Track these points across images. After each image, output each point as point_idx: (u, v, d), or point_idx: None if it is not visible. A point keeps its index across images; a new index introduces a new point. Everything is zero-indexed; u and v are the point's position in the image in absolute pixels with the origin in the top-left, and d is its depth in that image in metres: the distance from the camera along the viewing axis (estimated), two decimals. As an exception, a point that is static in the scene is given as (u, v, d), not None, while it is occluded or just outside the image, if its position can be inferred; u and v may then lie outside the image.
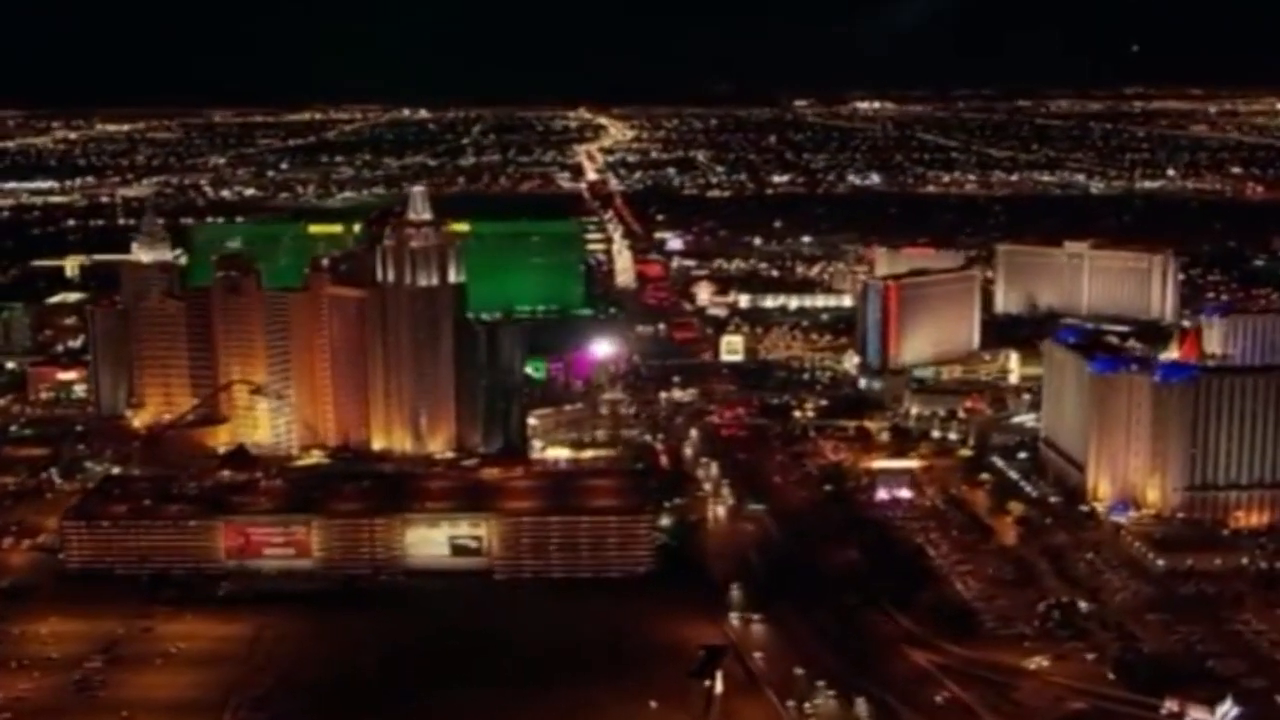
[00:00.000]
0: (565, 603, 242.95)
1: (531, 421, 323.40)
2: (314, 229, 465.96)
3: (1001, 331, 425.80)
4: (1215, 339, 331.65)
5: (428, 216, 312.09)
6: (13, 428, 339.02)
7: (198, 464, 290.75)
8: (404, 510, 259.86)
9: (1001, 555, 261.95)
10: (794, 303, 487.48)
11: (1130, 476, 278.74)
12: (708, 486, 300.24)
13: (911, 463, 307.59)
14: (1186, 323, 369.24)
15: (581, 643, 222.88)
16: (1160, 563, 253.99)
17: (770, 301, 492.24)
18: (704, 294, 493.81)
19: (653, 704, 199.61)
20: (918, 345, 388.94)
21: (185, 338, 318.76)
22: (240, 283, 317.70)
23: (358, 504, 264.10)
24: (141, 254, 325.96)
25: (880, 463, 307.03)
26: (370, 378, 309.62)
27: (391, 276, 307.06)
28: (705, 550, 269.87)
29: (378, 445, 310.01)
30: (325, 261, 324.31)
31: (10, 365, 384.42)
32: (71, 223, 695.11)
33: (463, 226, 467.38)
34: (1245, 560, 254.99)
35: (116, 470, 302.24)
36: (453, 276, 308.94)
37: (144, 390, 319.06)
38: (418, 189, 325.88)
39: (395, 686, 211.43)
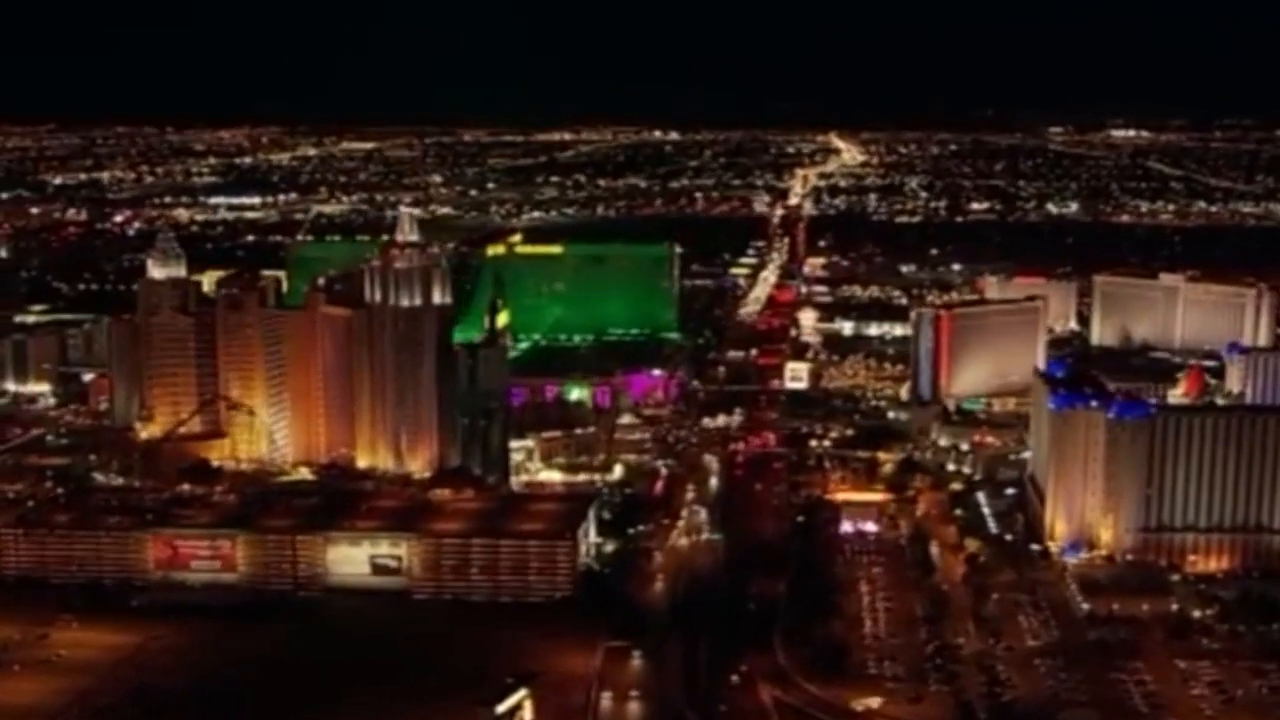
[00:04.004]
0: (462, 626, 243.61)
1: (528, 443, 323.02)
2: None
3: (1093, 364, 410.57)
4: (1235, 377, 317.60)
5: (414, 238, 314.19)
6: (49, 437, 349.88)
7: (164, 477, 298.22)
8: (329, 528, 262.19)
9: (931, 593, 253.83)
10: (896, 330, 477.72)
11: (1086, 516, 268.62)
12: (685, 514, 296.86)
13: (876, 495, 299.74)
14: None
15: (427, 664, 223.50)
16: (1085, 606, 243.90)
17: (874, 329, 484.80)
18: (807, 320, 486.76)
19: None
20: (974, 376, 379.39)
21: (193, 353, 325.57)
22: (242, 300, 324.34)
23: (288, 520, 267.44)
24: (155, 270, 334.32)
25: (844, 495, 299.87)
26: (357, 396, 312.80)
27: (378, 297, 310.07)
28: (640, 578, 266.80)
29: (362, 463, 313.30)
30: (322, 281, 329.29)
31: (88, 376, 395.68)
32: (251, 238, 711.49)
33: (555, 249, 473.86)
34: (1175, 606, 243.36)
35: (119, 481, 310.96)
36: (437, 298, 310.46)
37: (153, 403, 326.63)
38: (405, 210, 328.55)
39: (245, 700, 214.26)
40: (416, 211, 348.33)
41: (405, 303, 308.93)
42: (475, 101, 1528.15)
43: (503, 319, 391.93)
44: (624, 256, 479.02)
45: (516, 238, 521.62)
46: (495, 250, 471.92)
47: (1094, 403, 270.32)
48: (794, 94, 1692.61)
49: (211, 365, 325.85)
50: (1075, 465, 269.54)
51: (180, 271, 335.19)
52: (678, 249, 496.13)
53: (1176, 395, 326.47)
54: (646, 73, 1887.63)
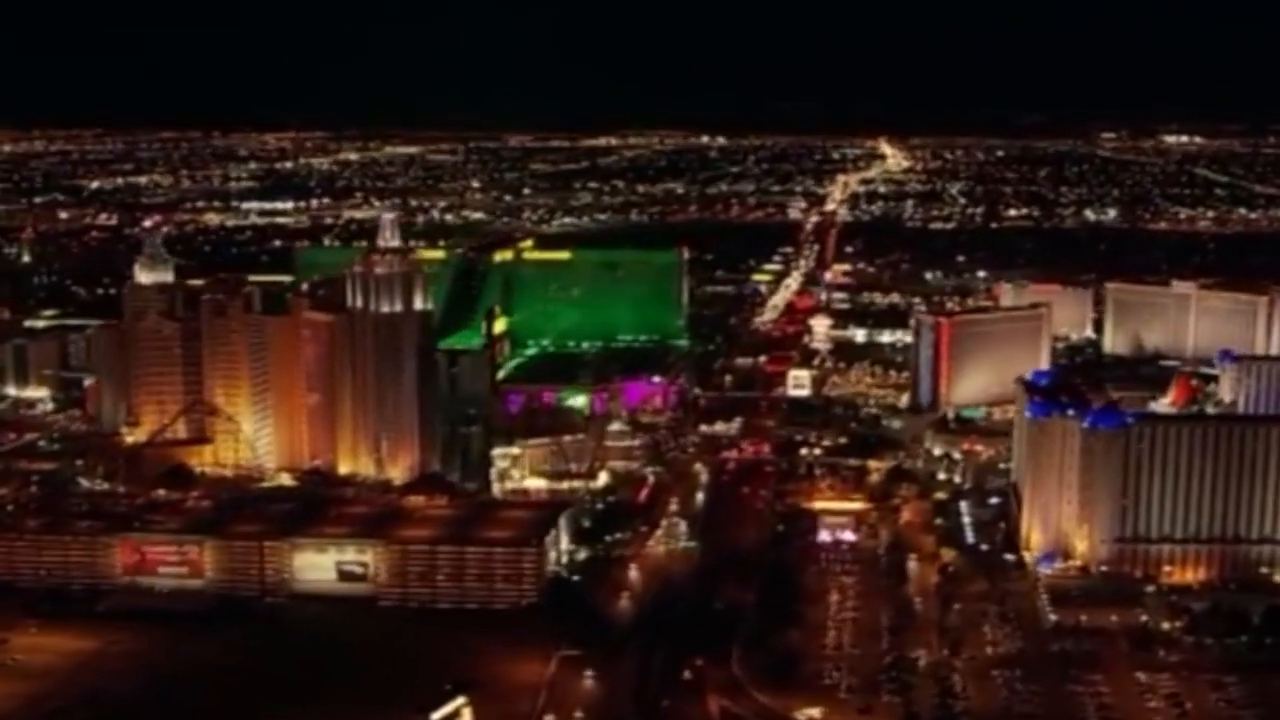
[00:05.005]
0: (423, 633, 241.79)
1: (514, 451, 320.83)
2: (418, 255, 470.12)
3: (1103, 372, 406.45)
4: (1227, 385, 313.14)
5: (395, 244, 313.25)
6: (41, 442, 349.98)
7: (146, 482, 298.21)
8: (296, 534, 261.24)
9: (900, 603, 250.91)
10: (909, 338, 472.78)
11: (1062, 525, 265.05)
12: (665, 522, 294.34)
13: (856, 504, 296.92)
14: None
15: (377, 671, 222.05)
16: (1052, 617, 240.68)
17: (887, 336, 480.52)
18: (819, 327, 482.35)
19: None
20: (975, 383, 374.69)
21: (180, 358, 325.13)
22: (226, 306, 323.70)
23: (258, 526, 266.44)
24: (142, 275, 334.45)
25: (823, 504, 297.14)
26: (338, 402, 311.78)
27: (359, 303, 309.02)
28: (610, 586, 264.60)
29: (344, 470, 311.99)
30: (305, 286, 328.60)
31: (87, 381, 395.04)
32: (278, 243, 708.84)
33: (563, 255, 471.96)
34: (1143, 618, 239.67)
35: (104, 486, 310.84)
36: (418, 304, 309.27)
37: (140, 408, 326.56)
38: (388, 215, 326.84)
39: (191, 706, 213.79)
40: (397, 214, 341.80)
41: (386, 309, 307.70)
42: (524, 107, 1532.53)
43: (501, 325, 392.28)
44: (634, 263, 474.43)
45: (527, 243, 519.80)
46: (503, 255, 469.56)
47: (1070, 412, 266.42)
48: (796, 94, 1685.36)
49: (198, 370, 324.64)
50: (1051, 475, 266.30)
51: (167, 276, 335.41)
52: (706, 255, 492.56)
53: (1164, 404, 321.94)
54: (649, 74, 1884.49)
